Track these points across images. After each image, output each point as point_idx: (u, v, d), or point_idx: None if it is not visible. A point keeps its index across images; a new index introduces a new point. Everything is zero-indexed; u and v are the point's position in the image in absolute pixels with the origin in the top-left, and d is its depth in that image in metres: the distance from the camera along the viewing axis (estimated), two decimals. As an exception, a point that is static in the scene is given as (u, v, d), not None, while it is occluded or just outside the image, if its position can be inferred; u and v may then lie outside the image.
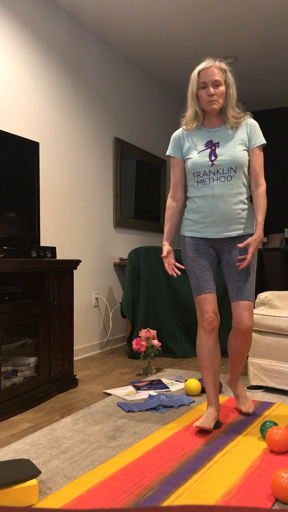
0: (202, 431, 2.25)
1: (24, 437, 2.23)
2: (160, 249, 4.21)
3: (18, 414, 2.58)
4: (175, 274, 2.32)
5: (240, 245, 2.21)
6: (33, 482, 1.62)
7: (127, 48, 4.55)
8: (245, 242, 2.22)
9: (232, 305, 2.32)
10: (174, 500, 1.63)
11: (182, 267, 2.30)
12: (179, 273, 2.32)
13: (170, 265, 2.35)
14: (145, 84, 5.15)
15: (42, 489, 1.71)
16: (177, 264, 2.34)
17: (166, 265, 2.35)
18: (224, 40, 4.41)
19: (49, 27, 3.69)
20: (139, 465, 1.89)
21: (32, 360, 2.82)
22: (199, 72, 2.25)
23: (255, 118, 6.24)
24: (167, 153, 2.41)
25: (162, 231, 5.50)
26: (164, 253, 2.34)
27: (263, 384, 2.91)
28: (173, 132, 5.79)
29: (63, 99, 3.85)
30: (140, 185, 5.04)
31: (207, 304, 2.27)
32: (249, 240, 2.22)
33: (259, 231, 2.24)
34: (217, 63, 2.26)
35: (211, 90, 2.21)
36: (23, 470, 1.65)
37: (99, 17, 3.96)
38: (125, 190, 4.75)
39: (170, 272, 2.34)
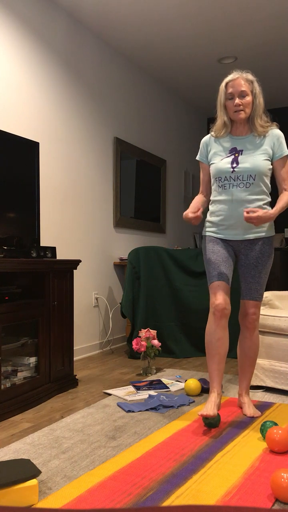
0: (202, 430, 2.25)
1: (24, 437, 2.23)
2: (160, 249, 4.21)
3: (18, 414, 2.58)
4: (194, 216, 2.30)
5: (245, 210, 2.21)
6: (33, 482, 1.62)
7: (127, 48, 4.55)
8: (252, 210, 2.21)
9: (241, 302, 2.50)
10: (174, 500, 1.63)
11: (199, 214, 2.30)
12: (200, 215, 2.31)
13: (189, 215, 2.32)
14: (145, 84, 5.15)
15: (42, 489, 1.71)
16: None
17: (190, 216, 2.32)
18: (224, 40, 4.41)
19: (49, 27, 3.69)
20: (139, 465, 1.89)
21: (32, 360, 2.82)
22: (227, 83, 2.38)
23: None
24: (197, 157, 2.57)
25: (162, 231, 5.50)
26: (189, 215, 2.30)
27: (263, 384, 2.91)
28: (173, 132, 5.80)
29: (63, 99, 3.85)
30: (140, 185, 5.04)
31: (219, 291, 2.36)
32: (259, 210, 2.22)
33: (273, 210, 2.25)
34: (244, 75, 2.37)
35: (237, 100, 2.34)
36: (23, 470, 1.65)
37: (99, 17, 3.96)
38: (125, 190, 4.75)
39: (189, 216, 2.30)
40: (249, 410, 2.47)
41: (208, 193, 2.57)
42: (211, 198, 2.49)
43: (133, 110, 4.93)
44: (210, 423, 2.27)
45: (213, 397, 2.32)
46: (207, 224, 2.50)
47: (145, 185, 5.13)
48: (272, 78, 5.33)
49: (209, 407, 2.27)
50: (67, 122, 3.90)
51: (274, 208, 2.30)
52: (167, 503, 1.61)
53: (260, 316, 2.92)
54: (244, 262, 2.46)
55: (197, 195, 2.56)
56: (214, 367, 2.36)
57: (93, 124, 4.25)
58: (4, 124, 3.26)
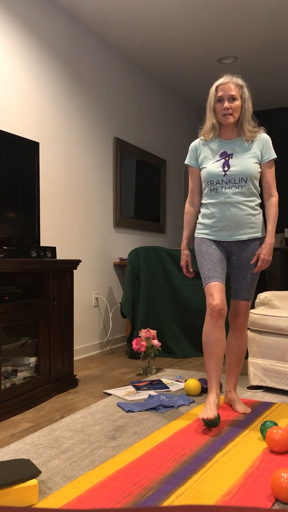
0: (202, 430, 2.25)
1: (24, 437, 2.23)
2: (160, 249, 4.22)
3: (18, 414, 2.58)
4: (191, 275, 2.59)
5: (251, 262, 2.43)
6: (33, 482, 1.62)
7: (127, 48, 4.55)
8: (255, 257, 2.43)
9: (232, 302, 2.54)
10: (174, 500, 1.63)
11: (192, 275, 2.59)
12: (193, 275, 2.59)
13: (187, 271, 2.60)
14: (145, 84, 5.15)
15: (42, 489, 1.71)
16: (191, 270, 2.61)
17: (184, 270, 2.59)
18: (224, 40, 4.41)
19: (49, 27, 3.69)
20: (139, 465, 1.89)
21: (32, 360, 2.82)
22: (217, 87, 2.41)
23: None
24: (185, 162, 2.58)
25: (162, 231, 5.50)
26: (183, 263, 2.57)
27: (263, 384, 2.91)
28: (173, 132, 5.80)
29: (63, 99, 3.86)
30: (140, 185, 5.04)
31: (216, 291, 2.37)
32: (258, 250, 2.43)
33: (268, 238, 2.43)
34: (234, 79, 2.41)
35: (227, 104, 2.37)
36: (23, 470, 1.65)
37: (99, 17, 3.96)
38: (125, 190, 4.76)
39: (188, 275, 2.60)
40: (240, 407, 2.53)
41: (197, 202, 2.57)
42: (202, 201, 2.52)
43: (133, 110, 4.93)
44: (211, 422, 2.27)
45: (211, 398, 2.32)
46: (199, 226, 2.52)
47: (145, 185, 5.13)
48: (272, 78, 5.33)
49: (208, 408, 2.27)
50: (67, 122, 3.90)
51: (268, 233, 2.43)
52: (167, 503, 1.61)
53: (260, 316, 2.92)
54: (236, 263, 2.49)
55: (186, 205, 2.60)
56: (212, 367, 2.37)
57: (93, 124, 4.25)
58: (4, 124, 3.26)
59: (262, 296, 3.17)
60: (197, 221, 2.55)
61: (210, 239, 2.47)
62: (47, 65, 3.67)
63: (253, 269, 2.48)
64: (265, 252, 2.41)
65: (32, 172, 3.09)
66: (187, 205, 2.60)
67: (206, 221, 2.48)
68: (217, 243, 2.47)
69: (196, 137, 6.42)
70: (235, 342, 2.56)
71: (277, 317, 2.86)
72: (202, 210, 2.52)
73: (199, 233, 2.51)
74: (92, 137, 4.24)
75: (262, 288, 5.69)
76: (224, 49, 4.59)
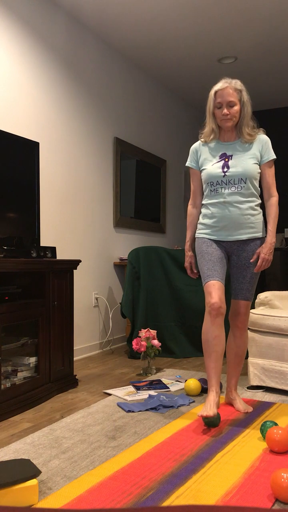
0: (202, 430, 2.25)
1: (24, 437, 2.23)
2: (160, 249, 4.22)
3: (18, 414, 2.58)
4: (194, 276, 2.63)
5: (251, 260, 2.44)
6: (33, 482, 1.62)
7: (127, 48, 4.55)
8: (255, 255, 2.44)
9: (232, 301, 2.55)
10: (174, 500, 1.63)
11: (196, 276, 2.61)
12: (197, 275, 2.62)
13: (191, 272, 2.63)
14: (145, 84, 5.15)
15: (42, 489, 1.71)
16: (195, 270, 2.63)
17: (188, 272, 2.62)
18: (224, 40, 4.41)
19: (49, 27, 3.69)
20: (139, 465, 1.89)
21: (32, 360, 2.82)
22: (215, 92, 2.42)
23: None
24: (186, 164, 2.61)
25: (162, 231, 5.50)
26: (187, 264, 2.61)
27: (263, 384, 2.91)
28: (173, 132, 5.80)
29: (63, 99, 3.85)
30: (140, 185, 5.04)
31: (214, 290, 2.39)
32: (259, 249, 2.44)
33: (269, 238, 2.44)
34: (232, 84, 2.42)
35: (225, 110, 2.39)
36: (23, 470, 1.65)
37: (99, 17, 3.96)
38: (125, 190, 4.75)
39: (192, 276, 2.63)
40: (241, 406, 2.54)
41: (199, 203, 2.60)
42: (203, 202, 2.55)
43: (133, 110, 4.93)
44: (210, 422, 2.27)
45: (211, 396, 2.33)
46: (200, 226, 2.54)
47: (145, 185, 5.13)
48: (272, 78, 5.33)
49: (208, 407, 2.27)
50: (67, 122, 3.90)
51: (269, 233, 2.44)
52: (167, 503, 1.61)
53: (260, 316, 2.92)
54: (236, 262, 2.51)
55: (188, 206, 2.64)
56: (212, 365, 2.37)
57: (93, 124, 4.25)
58: (4, 124, 3.26)
59: (262, 296, 3.17)
60: (198, 222, 2.57)
61: (211, 239, 2.49)
62: (47, 65, 3.67)
63: (252, 269, 2.48)
64: (265, 251, 2.42)
65: (32, 172, 3.09)
66: (189, 207, 2.63)
67: (206, 221, 2.50)
68: (217, 242, 2.49)
69: (196, 138, 6.43)
70: (235, 341, 2.57)
71: (277, 317, 2.86)
72: (203, 211, 2.54)
73: (200, 233, 2.53)
74: (92, 137, 4.24)
75: (262, 288, 5.69)
76: (224, 49, 4.59)
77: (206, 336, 2.39)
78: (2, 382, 2.59)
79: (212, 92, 2.44)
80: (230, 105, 2.39)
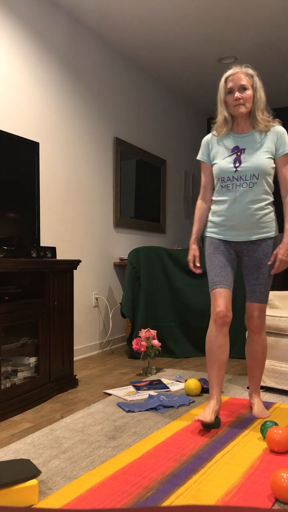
0: (202, 430, 2.25)
1: (24, 437, 2.23)
2: (160, 249, 4.21)
3: (18, 414, 2.58)
4: (197, 271, 2.46)
5: (269, 262, 2.34)
6: (33, 482, 1.62)
7: (127, 48, 4.55)
8: (272, 257, 2.32)
9: (246, 304, 2.46)
10: (174, 500, 1.63)
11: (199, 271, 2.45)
12: (200, 271, 2.45)
13: (194, 265, 2.47)
14: (145, 84, 5.15)
15: (42, 489, 1.71)
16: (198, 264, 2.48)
17: (191, 265, 2.46)
18: (224, 40, 4.41)
19: (49, 27, 3.69)
20: (139, 465, 1.89)
21: (32, 360, 2.82)
22: (226, 78, 2.32)
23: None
24: (197, 157, 2.50)
25: (162, 231, 5.50)
26: (190, 257, 2.46)
27: (263, 384, 2.91)
28: (173, 132, 5.80)
29: (63, 99, 3.85)
30: (140, 185, 5.04)
31: (220, 298, 2.32)
32: (275, 250, 2.32)
33: (286, 238, 2.30)
34: (243, 69, 2.31)
35: (237, 94, 2.27)
36: (23, 470, 1.65)
37: (99, 17, 3.96)
38: (125, 190, 4.75)
39: (195, 271, 2.47)
40: (257, 411, 2.47)
41: (209, 198, 2.49)
42: (213, 198, 2.43)
43: (133, 110, 4.93)
44: (210, 426, 2.26)
45: (212, 404, 2.30)
46: (209, 224, 2.45)
47: (145, 185, 5.13)
48: (272, 78, 5.33)
49: (207, 413, 2.25)
50: (67, 122, 3.90)
51: (286, 233, 2.29)
52: (167, 503, 1.61)
53: (260, 316, 2.92)
54: (247, 263, 2.41)
55: (198, 200, 2.53)
56: (214, 374, 2.33)
57: (93, 124, 4.25)
58: (4, 124, 3.26)
59: (262, 296, 3.17)
60: (208, 219, 2.47)
61: (219, 239, 2.40)
62: (47, 65, 3.67)
63: (265, 270, 2.37)
64: (282, 252, 2.28)
65: (32, 172, 3.09)
66: (199, 201, 2.51)
67: (215, 218, 2.40)
68: (227, 243, 2.39)
69: (196, 138, 6.42)
70: (253, 345, 2.48)
71: (277, 317, 2.86)
72: (213, 207, 2.44)
73: (209, 231, 2.44)
74: (92, 137, 4.24)
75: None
76: (224, 49, 4.59)
77: (211, 344, 2.33)
78: (2, 382, 2.59)
79: (222, 79, 2.33)
80: (242, 88, 2.27)
